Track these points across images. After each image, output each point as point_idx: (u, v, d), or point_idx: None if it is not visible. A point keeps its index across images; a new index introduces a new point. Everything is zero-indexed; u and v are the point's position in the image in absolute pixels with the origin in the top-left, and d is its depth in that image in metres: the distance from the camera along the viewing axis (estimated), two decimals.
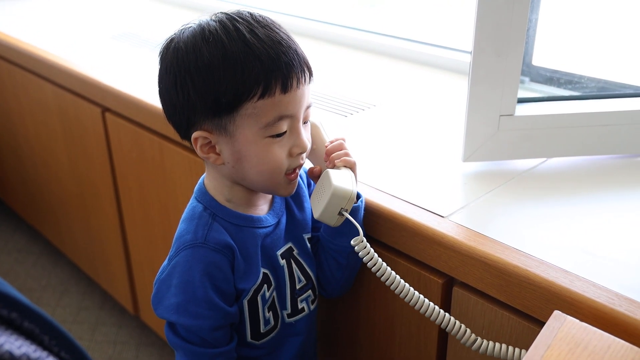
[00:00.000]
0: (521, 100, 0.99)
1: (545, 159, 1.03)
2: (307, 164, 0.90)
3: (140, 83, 1.37)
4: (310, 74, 0.79)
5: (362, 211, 0.87)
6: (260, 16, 0.78)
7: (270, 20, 0.78)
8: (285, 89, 0.75)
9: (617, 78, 1.17)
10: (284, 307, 0.89)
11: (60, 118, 1.64)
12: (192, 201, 0.85)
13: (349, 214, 0.81)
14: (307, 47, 0.79)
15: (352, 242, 0.80)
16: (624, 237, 0.82)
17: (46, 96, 1.66)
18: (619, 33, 1.24)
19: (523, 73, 1.26)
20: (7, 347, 0.36)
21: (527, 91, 1.27)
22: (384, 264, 0.79)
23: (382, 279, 0.78)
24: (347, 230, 0.84)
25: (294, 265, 0.89)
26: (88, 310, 1.91)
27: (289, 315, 0.90)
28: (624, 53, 1.25)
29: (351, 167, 0.85)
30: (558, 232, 0.83)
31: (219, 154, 0.79)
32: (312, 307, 0.93)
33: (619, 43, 1.25)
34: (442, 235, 0.82)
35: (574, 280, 0.72)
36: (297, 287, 0.90)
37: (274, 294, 0.87)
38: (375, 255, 0.79)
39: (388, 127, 1.19)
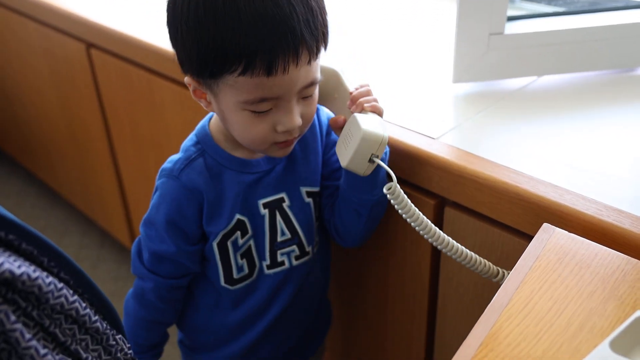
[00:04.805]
0: (511, 18, 0.98)
1: (536, 77, 1.02)
2: (330, 113, 0.86)
3: (125, 17, 1.34)
4: (316, 50, 0.70)
5: (387, 159, 0.84)
6: None
7: None
8: (270, 72, 0.67)
9: None
10: (263, 258, 0.86)
11: (46, 56, 1.61)
12: (192, 132, 0.85)
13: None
14: None
15: (384, 190, 0.75)
16: (613, 151, 0.83)
17: (30, 34, 1.62)
18: None
19: None
20: (6, 266, 0.36)
21: (518, 10, 1.25)
22: (421, 214, 0.75)
23: (417, 228, 0.75)
24: (372, 184, 0.81)
25: (278, 217, 0.85)
26: (88, 249, 1.94)
27: (268, 267, 0.87)
28: None
29: (379, 114, 0.80)
30: (548, 149, 0.84)
31: (209, 102, 0.77)
32: (294, 262, 0.88)
33: None
34: (433, 157, 0.83)
35: (563, 194, 0.73)
36: (279, 239, 0.86)
37: (251, 242, 0.85)
38: (409, 203, 0.75)
39: (377, 51, 1.17)
